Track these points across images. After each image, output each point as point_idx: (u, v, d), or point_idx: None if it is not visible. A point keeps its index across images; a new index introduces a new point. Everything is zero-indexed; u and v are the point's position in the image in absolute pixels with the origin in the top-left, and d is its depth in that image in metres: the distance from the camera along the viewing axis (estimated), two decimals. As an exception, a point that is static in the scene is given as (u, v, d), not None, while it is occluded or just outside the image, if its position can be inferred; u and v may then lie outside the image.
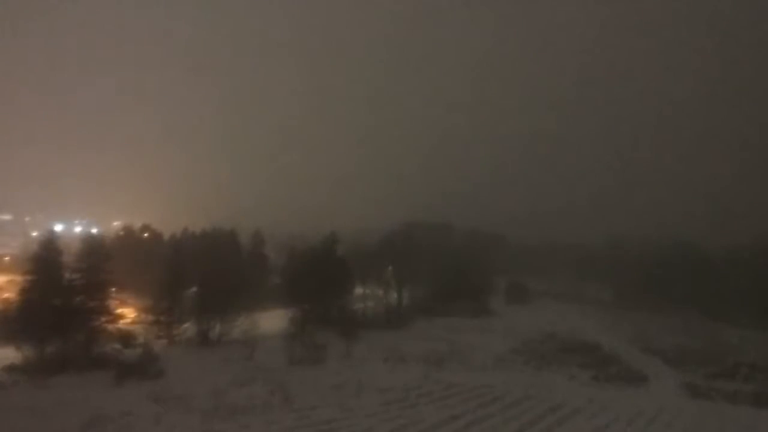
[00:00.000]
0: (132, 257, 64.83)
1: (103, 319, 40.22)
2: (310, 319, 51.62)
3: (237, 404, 30.29)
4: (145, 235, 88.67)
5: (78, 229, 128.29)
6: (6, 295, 48.87)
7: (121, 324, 42.64)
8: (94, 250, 42.14)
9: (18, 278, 40.55)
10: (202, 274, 50.16)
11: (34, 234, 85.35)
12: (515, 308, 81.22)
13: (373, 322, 58.19)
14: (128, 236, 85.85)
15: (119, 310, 43.84)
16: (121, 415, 27.59)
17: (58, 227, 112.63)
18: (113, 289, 42.79)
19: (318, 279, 54.87)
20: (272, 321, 52.38)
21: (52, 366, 34.79)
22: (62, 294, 39.04)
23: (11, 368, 34.59)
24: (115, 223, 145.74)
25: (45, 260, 39.24)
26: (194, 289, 50.23)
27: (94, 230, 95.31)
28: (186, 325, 47.42)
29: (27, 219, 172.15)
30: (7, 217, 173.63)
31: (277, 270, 73.48)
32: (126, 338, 40.27)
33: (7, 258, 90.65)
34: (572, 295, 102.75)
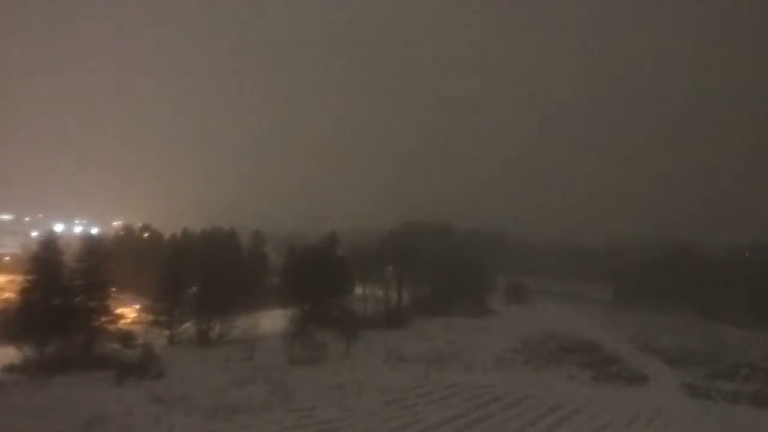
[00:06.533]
0: (132, 257, 64.82)
1: (103, 319, 40.19)
2: (310, 319, 51.55)
3: (237, 404, 30.28)
4: (145, 235, 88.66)
5: (78, 229, 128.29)
6: (6, 295, 48.84)
7: (121, 324, 42.60)
8: (94, 250, 42.11)
9: (18, 278, 40.49)
10: (202, 274, 50.12)
11: (34, 234, 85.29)
12: (515, 308, 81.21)
13: (373, 322, 58.13)
14: (128, 236, 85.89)
15: (119, 310, 43.81)
16: (121, 415, 27.62)
17: (58, 227, 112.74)
18: (113, 289, 42.76)
19: (318, 279, 54.81)
20: (272, 321, 52.35)
21: (52, 366, 34.76)
22: (62, 294, 39.01)
23: (11, 368, 34.58)
24: (115, 223, 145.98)
25: (45, 260, 39.19)
26: (194, 289, 50.18)
27: (94, 230, 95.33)
28: (186, 325, 47.39)
29: (27, 219, 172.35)
30: (7, 217, 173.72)
31: (277, 270, 73.39)
32: (126, 338, 40.23)
33: (7, 258, 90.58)
34: (572, 295, 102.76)
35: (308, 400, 31.77)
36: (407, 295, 70.53)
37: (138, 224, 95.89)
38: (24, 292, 38.07)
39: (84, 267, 40.74)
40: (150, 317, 46.14)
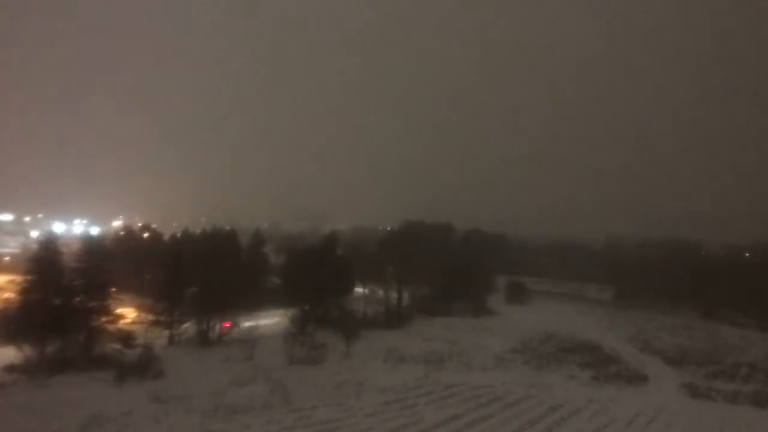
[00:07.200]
0: (132, 257, 64.79)
1: (103, 319, 40.20)
2: (310, 319, 51.55)
3: (237, 404, 30.31)
4: (145, 235, 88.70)
5: (78, 229, 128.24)
6: (6, 295, 48.82)
7: (121, 324, 42.59)
8: (94, 250, 42.13)
9: (18, 278, 40.49)
10: (202, 274, 50.11)
11: (34, 234, 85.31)
12: (515, 308, 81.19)
13: (373, 322, 58.14)
14: (128, 236, 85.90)
15: (119, 310, 43.80)
16: (122, 415, 27.63)
17: (58, 227, 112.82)
18: (113, 289, 42.74)
19: (318, 279, 54.79)
20: (272, 321, 52.40)
21: (52, 366, 34.81)
22: (62, 294, 39.03)
23: (11, 368, 34.59)
24: (115, 223, 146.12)
25: (45, 260, 39.22)
26: (194, 289, 50.17)
27: (94, 230, 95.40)
28: (186, 325, 47.40)
29: (27, 219, 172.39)
30: (7, 217, 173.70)
31: (277, 270, 73.40)
32: (126, 338, 40.22)
33: (7, 258, 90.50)
34: (572, 295, 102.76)
35: (308, 400, 31.79)
36: (407, 295, 70.50)
37: (138, 224, 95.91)
38: (24, 292, 38.08)
39: (84, 267, 40.78)
40: (150, 317, 46.14)
